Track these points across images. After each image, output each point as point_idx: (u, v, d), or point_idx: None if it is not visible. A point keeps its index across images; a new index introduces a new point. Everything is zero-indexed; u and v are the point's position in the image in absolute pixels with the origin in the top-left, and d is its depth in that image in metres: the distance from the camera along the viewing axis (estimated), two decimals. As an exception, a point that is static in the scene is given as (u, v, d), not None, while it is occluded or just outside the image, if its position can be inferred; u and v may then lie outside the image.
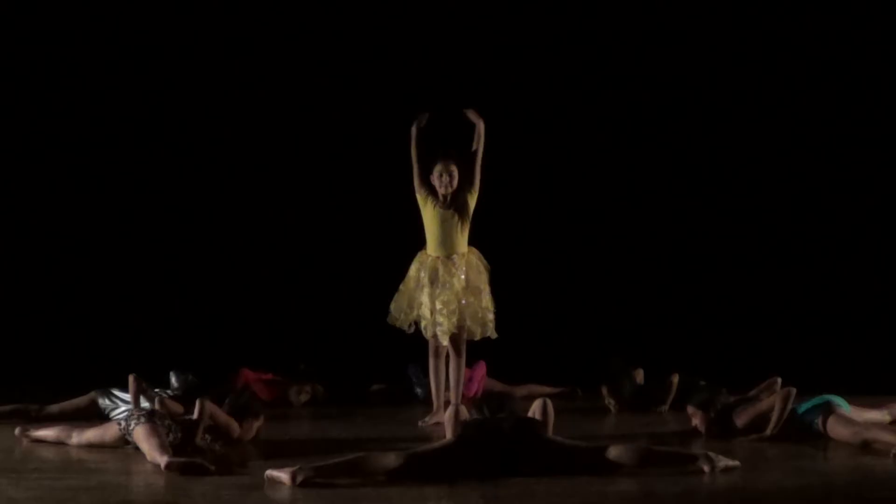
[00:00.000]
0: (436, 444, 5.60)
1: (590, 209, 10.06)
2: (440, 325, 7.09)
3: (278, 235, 9.99)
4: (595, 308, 9.77)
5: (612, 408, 8.05)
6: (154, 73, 9.97)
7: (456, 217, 7.19)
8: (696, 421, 6.86)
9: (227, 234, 10.01)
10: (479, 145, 7.23)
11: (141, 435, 5.80)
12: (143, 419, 5.95)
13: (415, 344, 7.42)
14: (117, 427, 6.10)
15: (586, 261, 9.96)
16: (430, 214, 7.21)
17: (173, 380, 7.55)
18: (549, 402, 5.86)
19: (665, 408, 8.08)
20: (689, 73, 10.00)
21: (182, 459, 5.48)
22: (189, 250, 9.90)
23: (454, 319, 7.10)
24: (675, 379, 8.05)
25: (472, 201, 7.21)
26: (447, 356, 7.24)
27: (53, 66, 9.89)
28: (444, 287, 7.11)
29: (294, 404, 8.46)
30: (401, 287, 7.32)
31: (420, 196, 7.24)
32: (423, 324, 7.19)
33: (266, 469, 5.20)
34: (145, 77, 9.98)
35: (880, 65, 9.94)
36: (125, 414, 6.40)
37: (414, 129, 7.27)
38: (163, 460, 5.49)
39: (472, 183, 7.20)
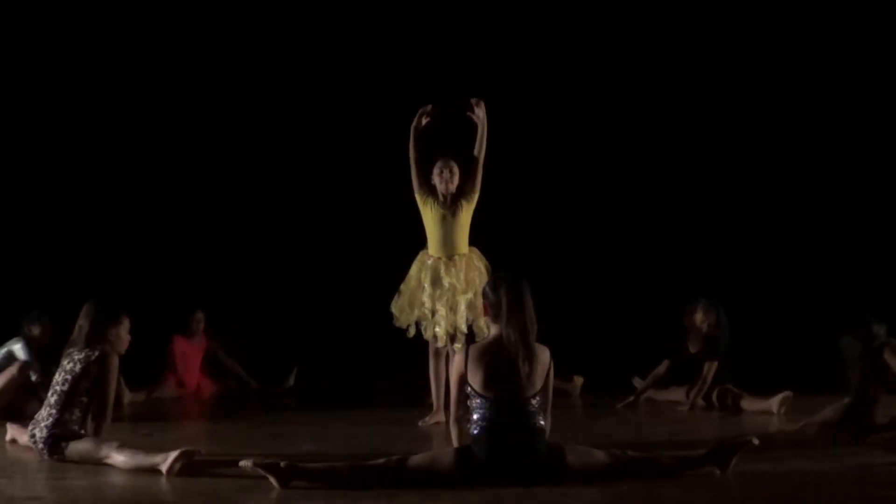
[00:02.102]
0: (432, 459, 5.19)
1: (591, 208, 10.05)
2: (439, 326, 7.10)
3: (281, 235, 10.00)
4: (598, 306, 9.76)
5: (689, 326, 8.26)
6: (161, 67, 9.99)
7: (456, 217, 7.19)
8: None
9: (228, 234, 10.02)
10: (482, 149, 7.19)
11: (118, 459, 5.59)
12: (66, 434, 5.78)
13: (417, 344, 7.44)
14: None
15: (589, 260, 9.95)
16: (430, 215, 7.22)
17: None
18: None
19: (685, 407, 8.08)
20: (703, 70, 9.98)
21: (176, 455, 5.43)
22: (192, 252, 9.89)
23: (453, 321, 7.10)
24: (710, 369, 8.05)
25: (473, 202, 7.21)
26: (447, 357, 7.23)
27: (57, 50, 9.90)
28: (445, 289, 7.12)
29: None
30: (401, 287, 7.32)
31: (419, 196, 7.24)
32: (423, 324, 7.20)
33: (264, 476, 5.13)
34: (154, 69, 10.00)
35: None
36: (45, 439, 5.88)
37: (413, 128, 7.25)
38: (162, 466, 5.42)
39: (473, 185, 7.20)
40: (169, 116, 9.97)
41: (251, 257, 10.02)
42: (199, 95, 9.98)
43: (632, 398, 8.31)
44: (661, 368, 8.44)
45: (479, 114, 7.19)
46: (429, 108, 7.20)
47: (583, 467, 5.12)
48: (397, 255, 7.52)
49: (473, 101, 7.20)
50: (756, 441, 5.31)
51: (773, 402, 7.64)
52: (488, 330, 6.95)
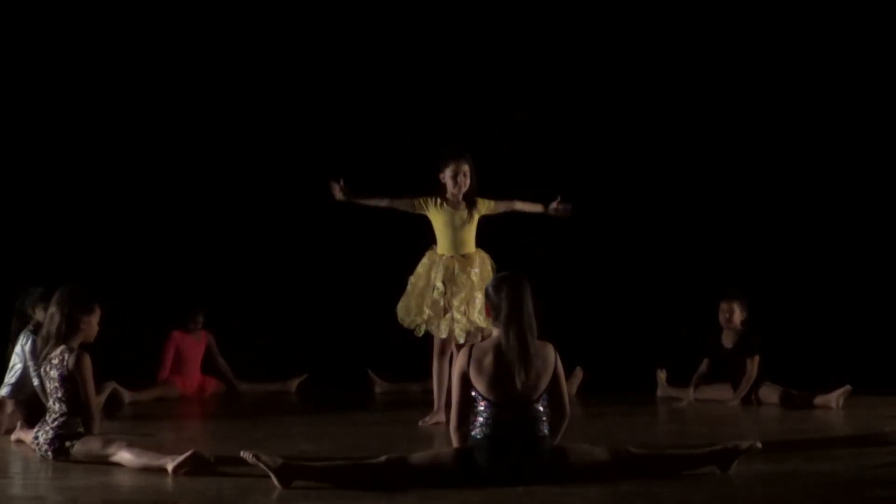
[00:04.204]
0: (434, 459, 5.18)
1: (593, 207, 10.00)
2: (458, 322, 7.05)
3: (283, 231, 9.97)
4: (601, 305, 9.73)
5: (727, 325, 8.44)
6: (165, 60, 9.91)
7: (467, 217, 7.15)
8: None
9: (229, 230, 9.99)
10: (520, 209, 7.30)
11: (126, 457, 5.61)
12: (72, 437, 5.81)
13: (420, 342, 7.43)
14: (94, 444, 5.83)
15: (594, 259, 9.90)
16: (440, 216, 7.15)
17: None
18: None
19: (736, 402, 8.17)
20: (730, 53, 9.85)
21: (185, 457, 5.44)
22: (193, 249, 9.87)
23: (471, 317, 7.05)
24: (754, 365, 8.23)
25: (483, 210, 7.20)
26: (451, 356, 7.20)
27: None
28: (461, 285, 7.06)
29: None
30: (408, 288, 7.24)
31: (418, 206, 7.19)
32: (435, 323, 7.12)
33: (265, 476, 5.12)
34: (158, 62, 9.91)
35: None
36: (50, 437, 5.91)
37: (343, 198, 7.17)
38: (169, 466, 5.43)
39: (488, 207, 7.21)
40: (171, 110, 9.90)
41: (252, 254, 9.99)
42: (202, 86, 9.91)
43: (683, 403, 8.37)
44: (704, 367, 8.51)
45: (560, 211, 7.28)
46: (337, 185, 7.18)
47: (585, 466, 5.13)
48: (400, 252, 7.50)
49: (564, 208, 7.28)
50: (759, 444, 5.32)
51: (832, 397, 7.90)
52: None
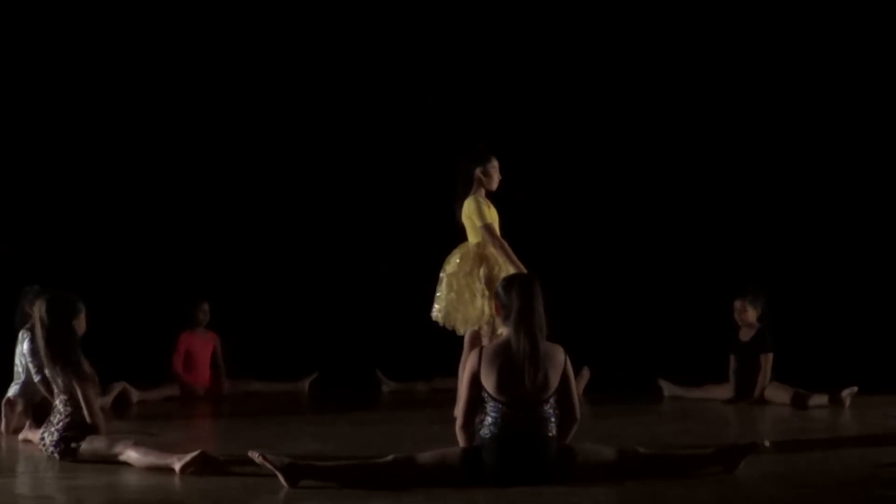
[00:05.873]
0: (441, 458, 5.15)
1: (595, 206, 10.02)
2: None
3: (291, 234, 9.99)
4: (608, 304, 9.73)
5: (740, 321, 8.44)
6: (174, 54, 9.92)
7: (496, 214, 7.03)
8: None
9: (238, 229, 10.02)
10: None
11: (133, 456, 5.64)
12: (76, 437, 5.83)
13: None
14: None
15: (601, 257, 9.90)
16: (492, 214, 6.98)
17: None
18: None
19: (756, 395, 8.25)
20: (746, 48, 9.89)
21: (192, 457, 5.45)
22: (204, 257, 9.88)
23: None
24: (768, 362, 8.24)
25: None
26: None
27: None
28: None
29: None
30: (452, 284, 6.89)
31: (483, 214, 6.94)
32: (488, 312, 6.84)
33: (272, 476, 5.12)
34: (166, 56, 9.92)
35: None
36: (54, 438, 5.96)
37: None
38: (176, 465, 5.45)
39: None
40: (176, 108, 9.92)
41: (261, 254, 10.00)
42: (208, 80, 9.93)
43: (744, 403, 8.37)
44: (733, 364, 8.52)
45: None
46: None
47: (592, 466, 5.12)
48: (404, 252, 7.49)
49: None
50: (767, 443, 5.31)
51: (840, 397, 7.94)
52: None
